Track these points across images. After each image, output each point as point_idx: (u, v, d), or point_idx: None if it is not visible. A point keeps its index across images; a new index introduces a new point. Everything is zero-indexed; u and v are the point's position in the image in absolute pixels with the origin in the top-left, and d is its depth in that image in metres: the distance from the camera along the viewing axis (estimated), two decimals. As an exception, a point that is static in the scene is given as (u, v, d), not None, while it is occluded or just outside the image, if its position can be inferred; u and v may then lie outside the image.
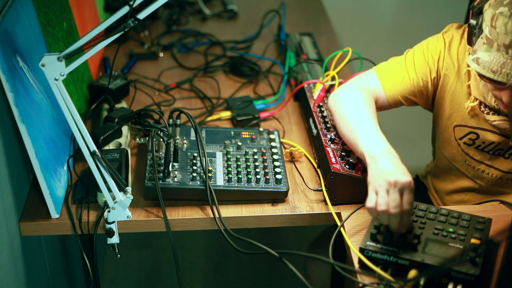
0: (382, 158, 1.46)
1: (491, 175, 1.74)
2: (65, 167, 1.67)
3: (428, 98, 1.76)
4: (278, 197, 1.65)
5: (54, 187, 1.57)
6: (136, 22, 1.36)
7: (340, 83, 1.88)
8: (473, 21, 1.55)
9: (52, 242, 1.87)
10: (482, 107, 1.65)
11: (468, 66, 1.64)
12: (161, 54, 2.37)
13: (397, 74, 1.74)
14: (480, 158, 1.73)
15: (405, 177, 1.40)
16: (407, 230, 1.41)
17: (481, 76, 1.51)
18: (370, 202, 1.41)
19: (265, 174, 1.66)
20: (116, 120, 1.80)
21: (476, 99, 1.65)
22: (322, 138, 1.71)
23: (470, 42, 1.58)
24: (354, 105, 1.65)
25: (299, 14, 2.73)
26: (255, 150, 1.75)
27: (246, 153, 1.73)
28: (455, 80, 1.69)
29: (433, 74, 1.72)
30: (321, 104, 1.86)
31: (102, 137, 1.71)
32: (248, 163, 1.70)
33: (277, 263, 1.53)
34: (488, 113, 1.64)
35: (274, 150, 1.76)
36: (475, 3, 1.54)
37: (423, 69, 1.72)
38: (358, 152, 1.55)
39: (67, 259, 2.06)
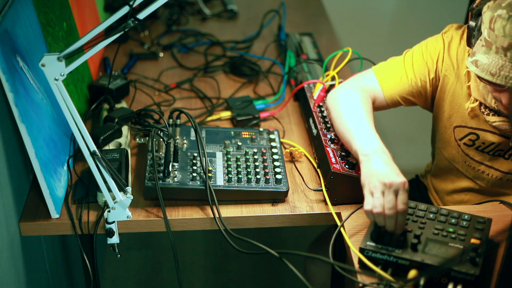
0: (376, 157, 1.46)
1: (491, 175, 1.74)
2: (65, 167, 1.67)
3: (426, 99, 1.76)
4: (278, 197, 1.65)
5: (54, 187, 1.57)
6: (136, 22, 1.36)
7: (340, 83, 1.88)
8: (472, 23, 1.55)
9: (52, 242, 1.87)
10: (482, 108, 1.65)
11: (467, 67, 1.64)
12: (161, 54, 2.37)
13: (396, 74, 1.74)
14: (480, 159, 1.73)
15: (400, 178, 1.41)
16: (401, 231, 1.42)
17: (480, 78, 1.52)
18: (367, 204, 1.42)
19: (265, 174, 1.66)
20: (116, 120, 1.80)
21: (476, 100, 1.65)
22: (322, 138, 1.71)
23: (470, 44, 1.58)
24: (350, 104, 1.66)
25: (299, 14, 2.73)
26: (255, 150, 1.75)
27: (246, 153, 1.73)
28: (455, 81, 1.69)
29: (432, 75, 1.72)
30: (321, 104, 1.86)
31: (102, 137, 1.71)
32: (248, 163, 1.70)
33: (277, 263, 1.53)
34: (488, 114, 1.64)
35: (274, 150, 1.76)
36: (474, 5, 1.54)
37: (422, 69, 1.72)
38: (352, 150, 1.56)
39: (67, 259, 2.06)
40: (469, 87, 1.66)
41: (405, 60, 1.75)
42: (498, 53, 1.45)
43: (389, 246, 1.39)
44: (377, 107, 1.76)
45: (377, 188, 1.41)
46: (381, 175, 1.42)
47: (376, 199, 1.40)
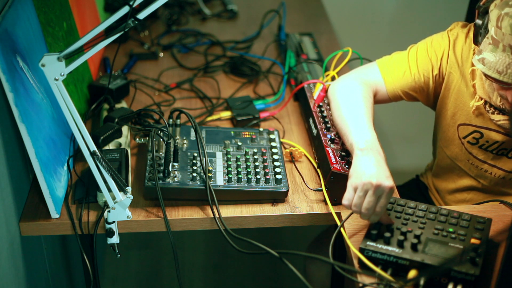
0: (371, 154, 1.47)
1: (494, 174, 1.74)
2: (65, 167, 1.67)
3: (429, 95, 1.76)
4: (278, 197, 1.65)
5: (54, 187, 1.57)
6: (136, 22, 1.37)
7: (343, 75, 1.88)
8: (479, 21, 1.55)
9: (52, 242, 1.87)
10: (487, 106, 1.65)
11: (473, 65, 1.64)
12: (161, 54, 2.37)
13: (399, 69, 1.74)
14: (483, 157, 1.73)
15: (388, 182, 1.41)
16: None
17: (487, 76, 1.52)
18: (346, 199, 1.45)
19: (265, 174, 1.66)
20: (116, 120, 1.80)
21: (481, 99, 1.65)
22: (322, 138, 1.71)
23: (476, 42, 1.58)
24: (351, 97, 1.66)
25: (299, 14, 2.73)
26: (255, 150, 1.75)
27: (246, 153, 1.73)
28: (460, 79, 1.69)
29: (435, 71, 1.72)
30: (321, 104, 1.86)
31: (102, 137, 1.71)
32: (248, 163, 1.70)
33: (277, 263, 1.53)
34: (493, 113, 1.64)
35: (274, 150, 1.76)
36: (481, 3, 1.54)
37: (425, 65, 1.72)
38: (348, 143, 1.56)
39: (67, 259, 2.06)
40: (474, 85, 1.66)
41: (409, 55, 1.75)
42: (505, 51, 1.45)
43: (389, 246, 1.39)
44: (379, 101, 1.76)
45: (363, 186, 1.41)
46: (371, 174, 1.42)
47: (357, 198, 1.42)
